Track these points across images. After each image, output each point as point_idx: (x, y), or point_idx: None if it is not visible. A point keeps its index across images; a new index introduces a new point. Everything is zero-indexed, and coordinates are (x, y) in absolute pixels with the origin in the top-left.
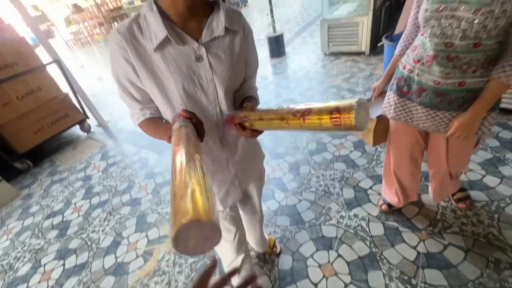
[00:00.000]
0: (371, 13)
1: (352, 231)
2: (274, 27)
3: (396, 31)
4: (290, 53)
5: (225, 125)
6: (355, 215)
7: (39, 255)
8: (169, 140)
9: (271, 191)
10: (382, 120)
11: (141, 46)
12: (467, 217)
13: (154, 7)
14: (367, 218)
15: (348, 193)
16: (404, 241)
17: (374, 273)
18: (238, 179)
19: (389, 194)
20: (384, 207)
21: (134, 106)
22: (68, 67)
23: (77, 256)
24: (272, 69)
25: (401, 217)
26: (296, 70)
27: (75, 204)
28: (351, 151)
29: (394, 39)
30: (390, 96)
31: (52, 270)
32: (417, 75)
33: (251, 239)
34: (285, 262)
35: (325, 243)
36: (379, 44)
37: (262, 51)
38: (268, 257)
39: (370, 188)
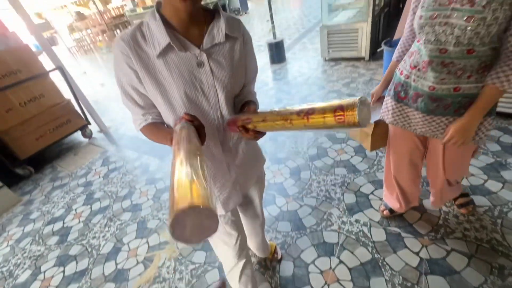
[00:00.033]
0: (370, 19)
1: (354, 236)
2: (274, 34)
3: (395, 37)
4: (290, 59)
5: (227, 128)
6: (357, 221)
7: (39, 262)
8: (171, 143)
9: (272, 197)
10: (380, 125)
11: (144, 53)
12: (469, 223)
13: (157, 15)
14: (368, 224)
15: (350, 198)
16: (406, 247)
17: (376, 280)
18: (239, 183)
19: (391, 199)
20: (385, 212)
21: (136, 111)
22: (71, 74)
23: (77, 263)
24: (273, 75)
25: (403, 222)
26: (296, 75)
27: (75, 210)
28: (352, 156)
29: (393, 45)
30: (388, 102)
31: (52, 277)
32: (414, 80)
33: (253, 244)
34: (287, 268)
35: (326, 249)
36: (378, 50)
37: (263, 57)
38: (269, 263)
39: (372, 193)
